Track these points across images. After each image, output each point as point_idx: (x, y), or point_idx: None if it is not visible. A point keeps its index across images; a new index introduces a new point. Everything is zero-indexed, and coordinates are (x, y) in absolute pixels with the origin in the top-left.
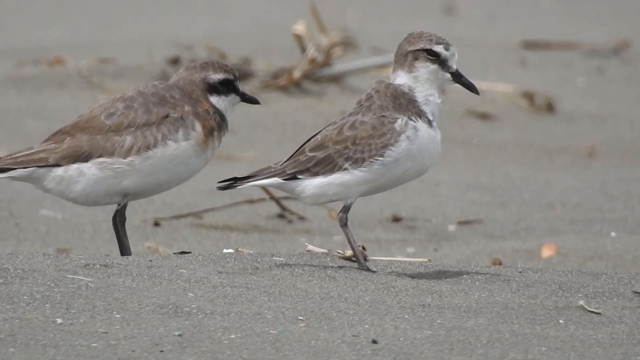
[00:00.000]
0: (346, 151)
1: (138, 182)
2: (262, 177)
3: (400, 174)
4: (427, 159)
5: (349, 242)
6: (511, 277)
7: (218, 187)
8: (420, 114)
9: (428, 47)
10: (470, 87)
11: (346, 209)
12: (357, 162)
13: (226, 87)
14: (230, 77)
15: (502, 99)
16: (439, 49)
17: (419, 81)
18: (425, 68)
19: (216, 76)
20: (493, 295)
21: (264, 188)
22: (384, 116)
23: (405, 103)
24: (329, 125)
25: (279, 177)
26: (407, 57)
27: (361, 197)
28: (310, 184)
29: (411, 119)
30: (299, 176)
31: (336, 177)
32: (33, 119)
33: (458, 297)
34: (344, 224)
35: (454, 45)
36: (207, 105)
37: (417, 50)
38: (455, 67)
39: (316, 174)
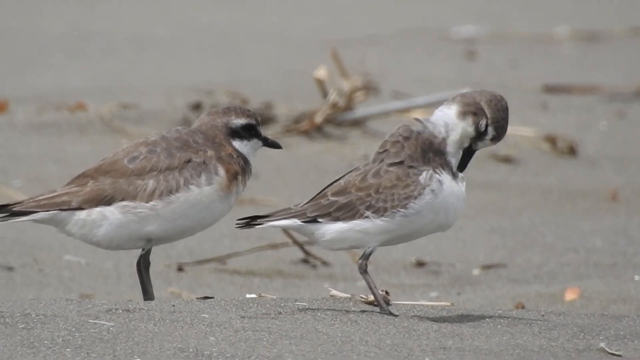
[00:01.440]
0: (368, 199)
1: (161, 227)
2: (282, 217)
3: (422, 227)
4: (451, 213)
5: (370, 288)
6: (533, 320)
7: (237, 225)
8: (445, 165)
9: (480, 110)
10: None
11: (366, 256)
12: (379, 211)
13: (248, 131)
14: (253, 121)
15: (524, 142)
16: (484, 122)
17: (457, 134)
18: (470, 127)
19: (238, 121)
20: (514, 338)
21: (286, 232)
22: (410, 167)
23: (433, 154)
24: (352, 171)
25: (299, 219)
26: (468, 107)
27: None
28: (330, 229)
29: (436, 172)
30: (319, 220)
31: (356, 224)
32: (54, 164)
33: (479, 340)
34: (363, 271)
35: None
36: (231, 149)
37: (477, 108)
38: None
39: (337, 219)
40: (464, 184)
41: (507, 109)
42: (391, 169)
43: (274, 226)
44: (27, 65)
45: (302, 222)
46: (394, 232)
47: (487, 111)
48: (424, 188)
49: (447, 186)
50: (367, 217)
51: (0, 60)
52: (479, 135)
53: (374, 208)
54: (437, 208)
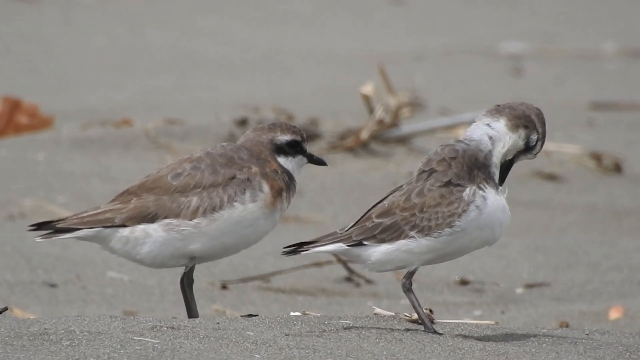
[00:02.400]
0: (413, 219)
1: (205, 245)
2: (327, 242)
3: (468, 244)
4: (497, 228)
5: (414, 306)
6: (578, 339)
7: (283, 252)
8: (489, 179)
9: (532, 123)
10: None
11: (410, 275)
12: (424, 230)
13: (293, 148)
14: (298, 138)
15: (569, 159)
16: (536, 136)
17: (504, 146)
18: (521, 140)
19: (284, 137)
20: (560, 357)
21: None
22: (455, 184)
23: (477, 170)
24: (396, 191)
25: (344, 243)
26: (520, 119)
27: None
28: (376, 251)
29: (480, 187)
30: (365, 242)
31: (402, 244)
32: (99, 180)
33: (525, 359)
34: (407, 290)
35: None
36: (275, 165)
37: (529, 121)
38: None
39: (382, 241)
40: (505, 194)
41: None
42: (435, 187)
43: (321, 252)
44: (74, 80)
45: (348, 245)
46: (440, 250)
47: (538, 125)
48: (468, 205)
49: (491, 201)
50: (412, 237)
51: (47, 75)
52: (528, 148)
53: (418, 227)
54: (482, 224)
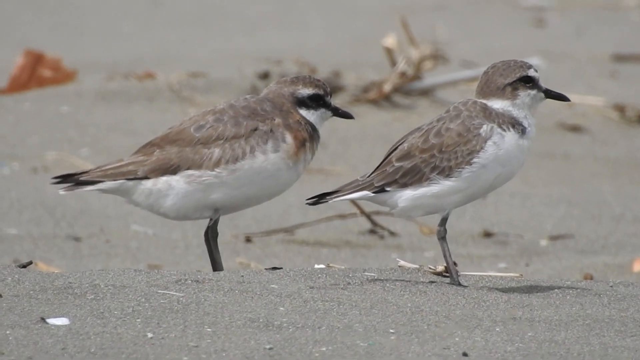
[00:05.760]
0: (433, 160)
1: (226, 195)
2: (350, 191)
3: (491, 181)
4: (515, 165)
5: (444, 255)
6: (602, 291)
7: (307, 203)
8: (515, 124)
9: (524, 74)
10: (562, 97)
11: (444, 221)
12: (444, 171)
13: (315, 101)
14: (320, 92)
15: (592, 111)
16: (532, 73)
17: (519, 107)
18: (527, 96)
19: (305, 91)
20: (584, 309)
21: (355, 203)
22: (472, 123)
23: (495, 114)
24: (415, 131)
25: (368, 190)
26: (504, 89)
27: (453, 212)
28: (402, 197)
29: (501, 127)
30: (387, 188)
31: (427, 190)
32: (122, 133)
33: (549, 311)
34: (442, 237)
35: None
36: (298, 116)
37: (515, 81)
38: (542, 84)
39: (404, 185)
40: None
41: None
42: (452, 125)
43: (344, 200)
44: (96, 34)
45: (372, 193)
46: (466, 190)
47: (516, 71)
48: (485, 141)
49: (509, 138)
50: (434, 180)
51: (69, 29)
52: (536, 85)
53: (439, 169)
54: (502, 160)
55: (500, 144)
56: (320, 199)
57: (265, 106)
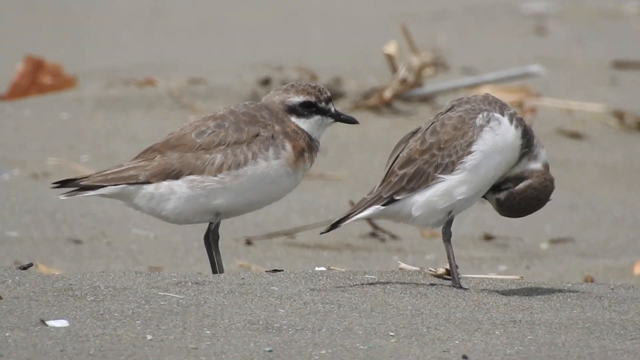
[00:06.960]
0: (434, 159)
1: (229, 200)
2: (361, 209)
3: (494, 169)
4: (510, 153)
5: (449, 257)
6: (603, 294)
7: (322, 233)
8: (513, 115)
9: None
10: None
11: (449, 223)
12: (448, 167)
13: (308, 109)
14: (312, 99)
15: (591, 118)
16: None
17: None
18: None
19: (295, 99)
20: (584, 312)
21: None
22: (465, 112)
23: (495, 102)
24: (410, 138)
25: (378, 204)
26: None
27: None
28: (414, 205)
29: (497, 112)
30: (396, 197)
31: (434, 191)
32: (122, 140)
33: (549, 313)
34: (447, 239)
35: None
36: (293, 125)
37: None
38: None
39: (412, 190)
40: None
41: None
42: (446, 121)
43: (358, 220)
44: (97, 42)
45: (382, 205)
46: (472, 181)
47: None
48: (482, 129)
49: (505, 126)
50: (439, 177)
51: (70, 35)
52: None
53: (442, 166)
54: (500, 146)
55: (496, 128)
56: (333, 226)
57: (264, 113)
